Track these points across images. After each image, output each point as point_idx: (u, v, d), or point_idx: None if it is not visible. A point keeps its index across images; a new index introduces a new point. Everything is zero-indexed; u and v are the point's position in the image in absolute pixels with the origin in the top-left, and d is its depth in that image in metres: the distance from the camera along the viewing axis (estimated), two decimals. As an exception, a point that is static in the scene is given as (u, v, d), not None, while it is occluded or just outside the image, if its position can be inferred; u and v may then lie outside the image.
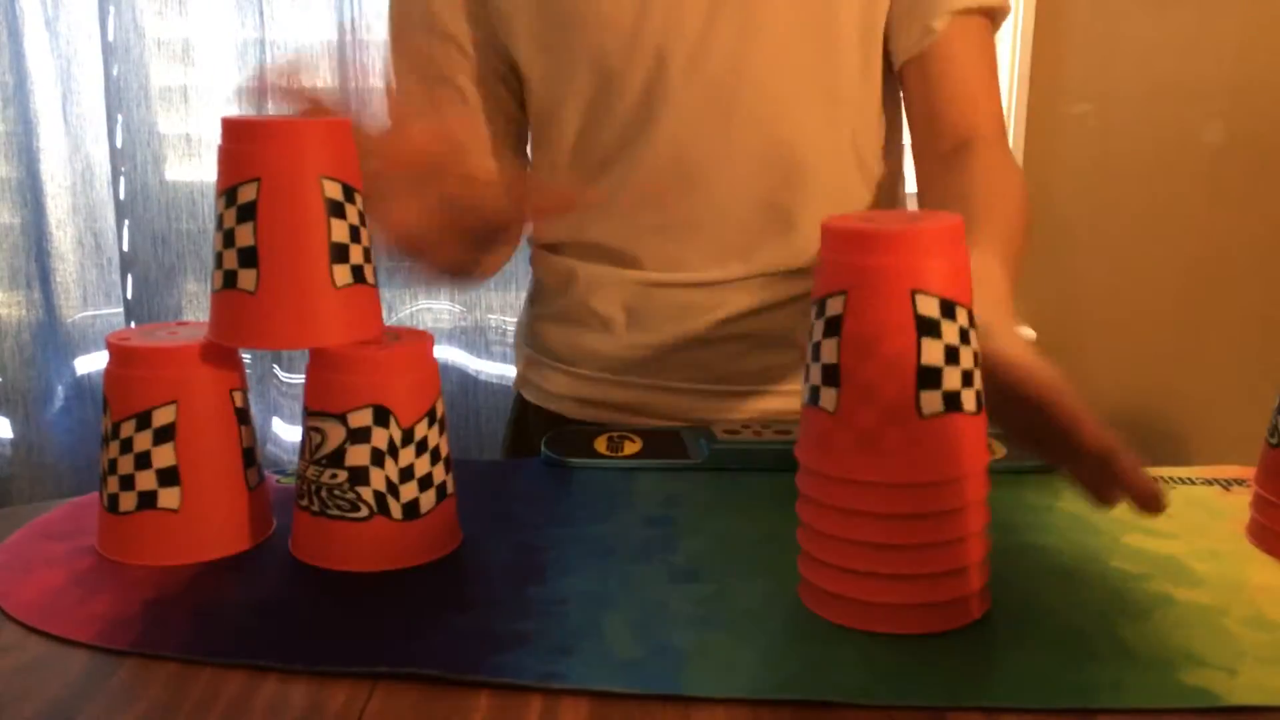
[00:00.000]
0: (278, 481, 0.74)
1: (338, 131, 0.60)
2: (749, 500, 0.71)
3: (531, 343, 1.01)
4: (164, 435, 0.61)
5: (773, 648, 0.53)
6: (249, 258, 0.59)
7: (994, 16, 0.92)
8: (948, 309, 0.52)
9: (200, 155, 1.79)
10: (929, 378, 0.51)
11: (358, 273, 0.61)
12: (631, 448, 0.78)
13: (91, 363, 1.82)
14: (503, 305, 1.83)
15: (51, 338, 1.82)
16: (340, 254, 0.60)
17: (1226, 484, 0.74)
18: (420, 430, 0.61)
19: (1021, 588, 0.58)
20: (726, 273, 0.90)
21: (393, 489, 0.60)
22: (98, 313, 1.82)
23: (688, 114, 0.87)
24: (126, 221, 1.80)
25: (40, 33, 1.71)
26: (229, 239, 0.59)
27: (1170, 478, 0.75)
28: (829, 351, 0.53)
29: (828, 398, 0.53)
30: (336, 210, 0.60)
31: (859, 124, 0.91)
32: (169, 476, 0.61)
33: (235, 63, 1.74)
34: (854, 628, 0.54)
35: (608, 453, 0.77)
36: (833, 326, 0.53)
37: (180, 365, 0.61)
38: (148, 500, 0.61)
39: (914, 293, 0.51)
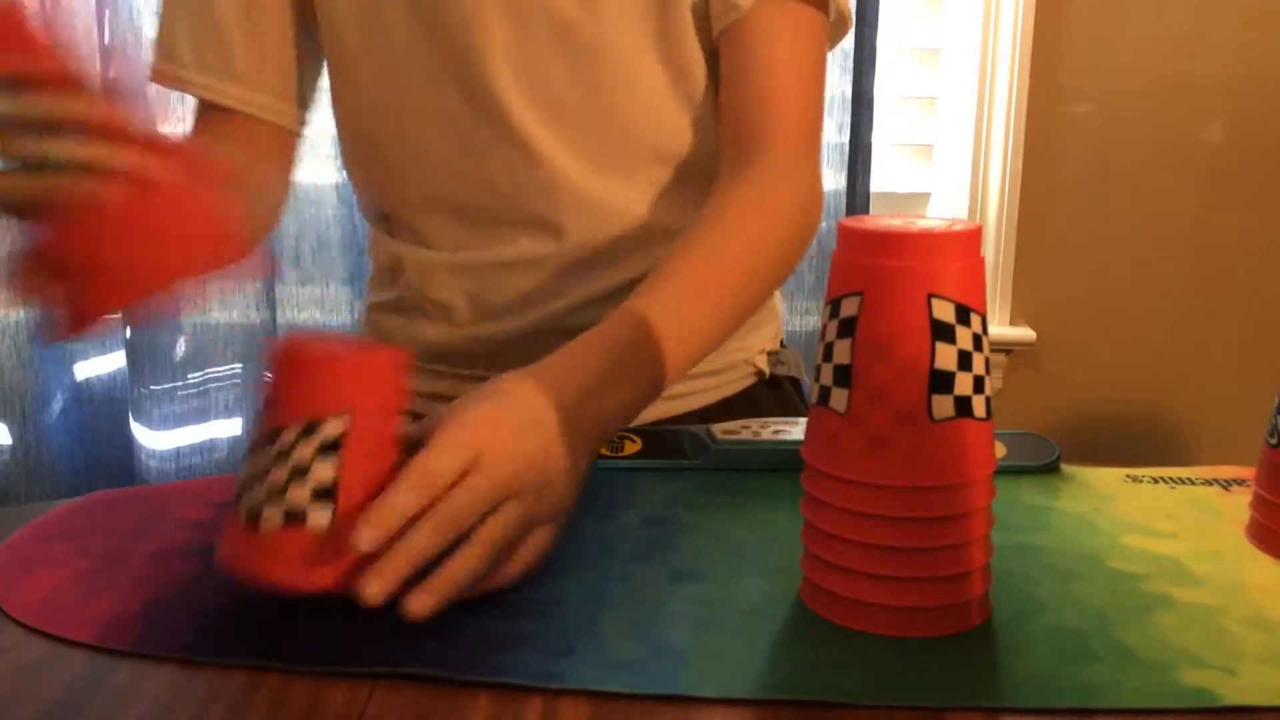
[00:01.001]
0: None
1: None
2: (749, 500, 0.71)
3: (370, 330, 0.98)
4: (329, 448, 0.54)
5: (773, 648, 0.53)
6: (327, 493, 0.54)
7: (824, 7, 0.84)
8: (963, 314, 0.52)
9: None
10: (941, 382, 0.51)
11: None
12: (631, 448, 0.78)
13: (91, 368, 1.82)
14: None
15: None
16: None
17: (1226, 484, 0.74)
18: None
19: (1021, 588, 0.59)
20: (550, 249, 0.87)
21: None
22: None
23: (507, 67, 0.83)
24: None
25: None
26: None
27: (1170, 478, 0.75)
28: (842, 352, 0.53)
29: (838, 398, 0.53)
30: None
31: (702, 102, 0.87)
32: (325, 493, 0.54)
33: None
34: (855, 629, 0.54)
35: (607, 453, 0.77)
36: (847, 327, 0.53)
37: (356, 377, 0.55)
38: (295, 515, 0.54)
39: (930, 296, 0.51)
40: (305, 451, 0.54)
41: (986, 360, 0.53)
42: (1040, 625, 0.55)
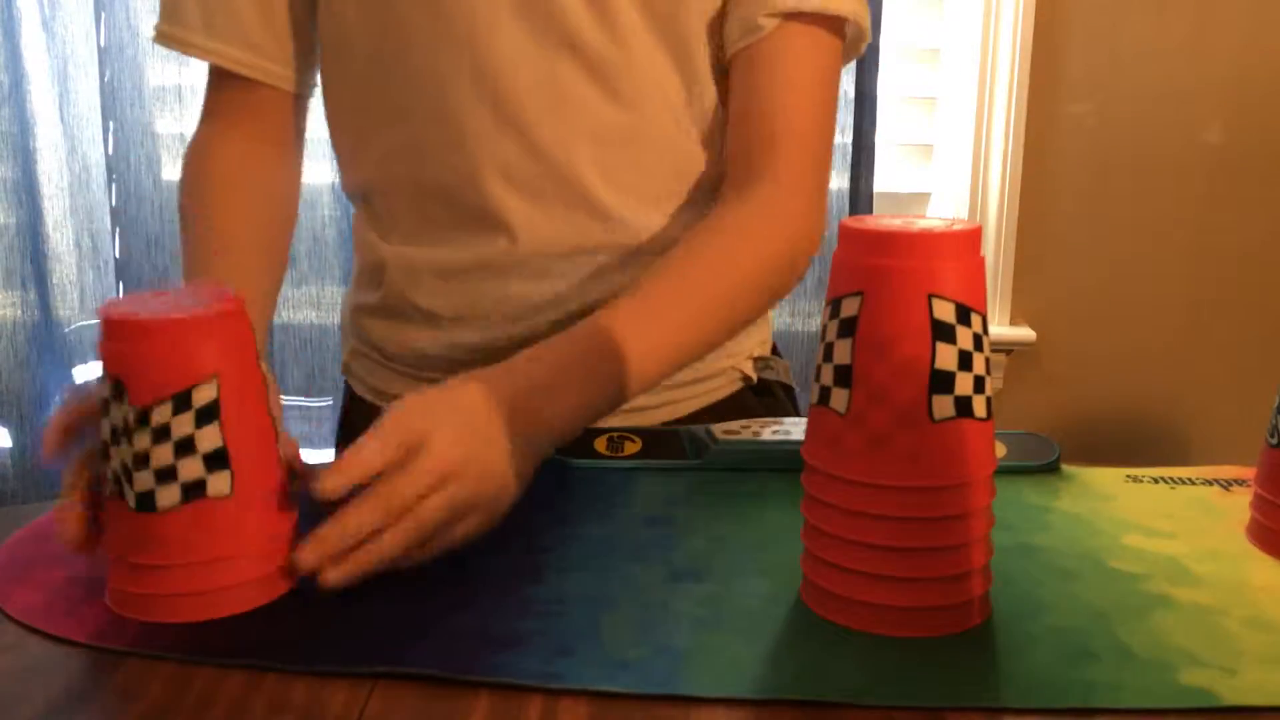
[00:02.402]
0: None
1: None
2: (749, 500, 0.71)
3: (354, 331, 0.96)
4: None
5: (773, 648, 0.53)
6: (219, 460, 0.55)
7: (840, 31, 0.83)
8: (963, 314, 0.52)
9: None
10: (942, 382, 0.51)
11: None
12: (631, 448, 0.78)
13: (90, 370, 1.82)
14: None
15: (48, 340, 1.81)
16: None
17: (1226, 484, 0.74)
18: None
19: (1021, 588, 0.58)
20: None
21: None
22: (95, 320, 1.82)
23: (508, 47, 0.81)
24: (119, 224, 1.80)
25: (37, 33, 1.71)
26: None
27: (1170, 478, 0.75)
28: (842, 352, 0.53)
29: (839, 398, 0.53)
30: None
31: (705, 103, 0.85)
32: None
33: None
34: (855, 629, 0.54)
35: (608, 453, 0.77)
36: (847, 327, 0.53)
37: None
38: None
39: (930, 297, 0.51)
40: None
41: (987, 360, 0.53)
42: (1040, 625, 0.55)
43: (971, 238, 0.53)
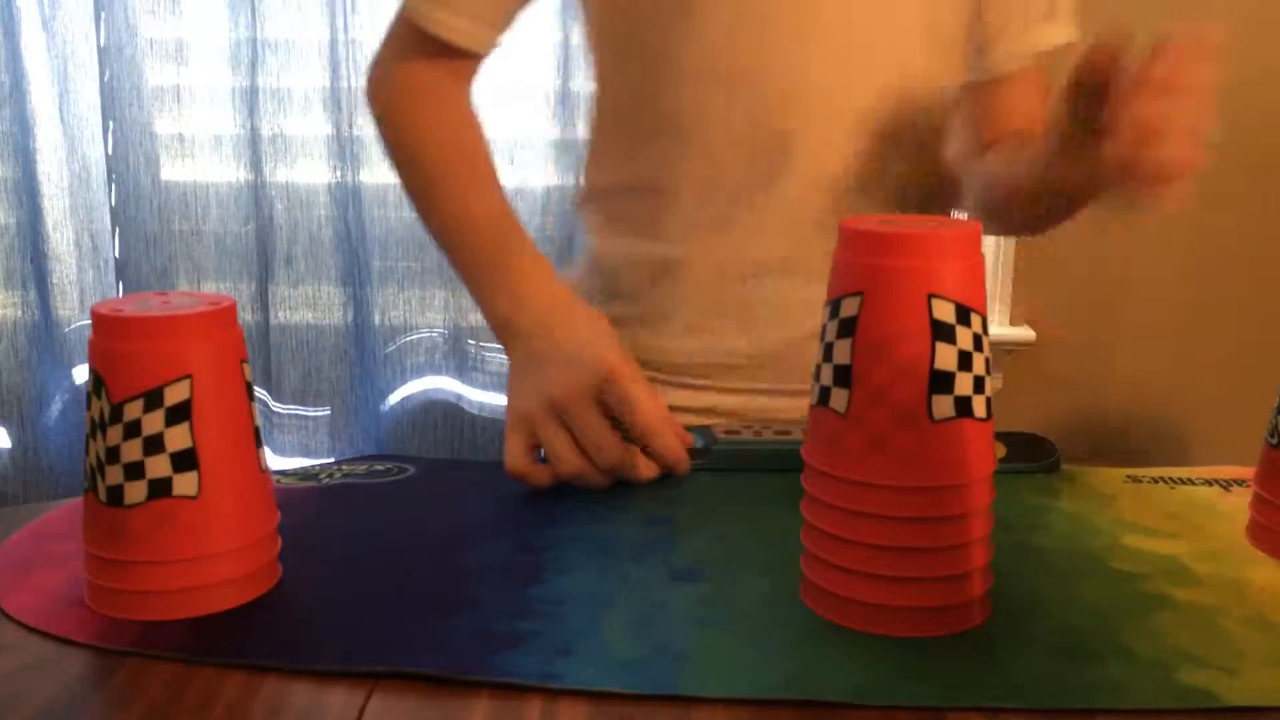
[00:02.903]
0: (278, 482, 0.74)
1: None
2: (749, 500, 0.71)
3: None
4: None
5: (773, 648, 0.53)
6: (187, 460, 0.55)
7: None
8: (963, 314, 0.52)
9: (194, 156, 1.79)
10: (941, 382, 0.51)
11: None
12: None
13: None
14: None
15: (47, 340, 1.81)
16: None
17: (1226, 484, 0.74)
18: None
19: (1021, 588, 0.58)
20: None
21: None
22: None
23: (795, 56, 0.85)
24: (118, 224, 1.80)
25: (37, 33, 1.71)
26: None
27: (1170, 478, 0.75)
28: (842, 352, 0.53)
29: (839, 398, 0.53)
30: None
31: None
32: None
33: (228, 63, 1.75)
34: (855, 629, 0.54)
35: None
36: (847, 327, 0.53)
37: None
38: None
39: (930, 297, 0.51)
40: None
41: (987, 360, 0.53)
42: (1040, 625, 0.55)
43: (971, 238, 0.53)
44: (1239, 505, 0.68)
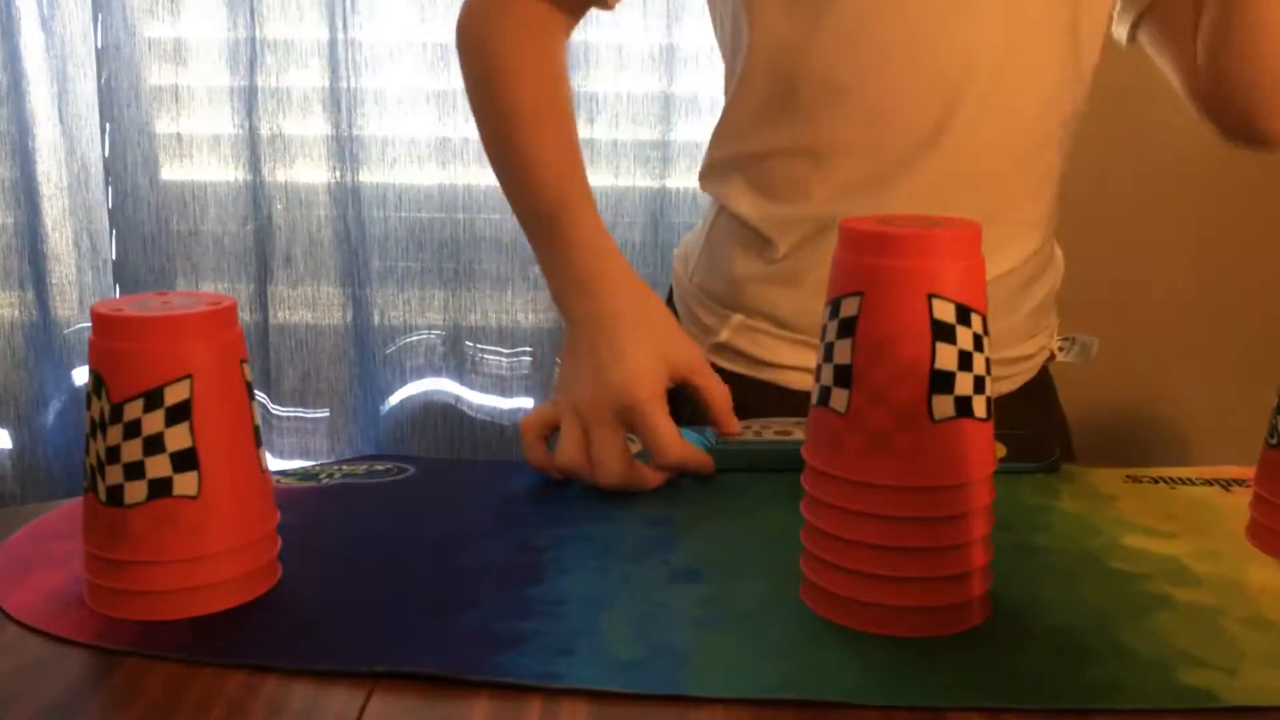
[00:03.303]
0: (278, 482, 0.74)
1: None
2: (749, 500, 0.71)
3: (738, 304, 0.96)
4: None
5: (773, 648, 0.53)
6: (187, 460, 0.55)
7: None
8: (963, 314, 0.52)
9: (192, 156, 1.79)
10: (942, 382, 0.51)
11: None
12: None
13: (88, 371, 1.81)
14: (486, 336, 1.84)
15: (46, 341, 1.81)
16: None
17: (1226, 484, 0.74)
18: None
19: (1021, 588, 0.58)
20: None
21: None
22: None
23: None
24: (116, 225, 1.80)
25: (36, 33, 1.71)
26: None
27: (1170, 478, 0.75)
28: (842, 352, 0.53)
29: (839, 398, 0.53)
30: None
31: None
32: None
33: (227, 63, 1.74)
34: (855, 629, 0.54)
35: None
36: (847, 327, 0.53)
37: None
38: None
39: (930, 297, 0.51)
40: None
41: (987, 360, 0.53)
42: (1040, 625, 0.55)
43: (971, 238, 0.53)
44: (1239, 505, 0.68)
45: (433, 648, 0.52)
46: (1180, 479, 0.75)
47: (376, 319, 1.82)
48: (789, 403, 0.86)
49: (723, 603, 0.57)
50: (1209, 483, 0.74)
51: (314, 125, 1.77)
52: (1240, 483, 0.74)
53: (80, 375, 1.82)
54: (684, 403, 0.78)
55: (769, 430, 0.79)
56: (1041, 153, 0.93)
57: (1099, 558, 0.63)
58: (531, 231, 0.84)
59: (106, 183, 1.78)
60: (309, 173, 1.79)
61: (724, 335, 0.96)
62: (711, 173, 0.99)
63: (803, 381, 0.92)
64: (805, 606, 0.56)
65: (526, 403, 1.84)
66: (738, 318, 0.95)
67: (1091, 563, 0.62)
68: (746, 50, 0.91)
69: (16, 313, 1.80)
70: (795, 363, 0.93)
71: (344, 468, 0.78)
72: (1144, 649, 0.53)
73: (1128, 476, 0.75)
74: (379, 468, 0.78)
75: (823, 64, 0.87)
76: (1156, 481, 0.74)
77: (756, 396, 0.91)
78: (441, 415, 1.85)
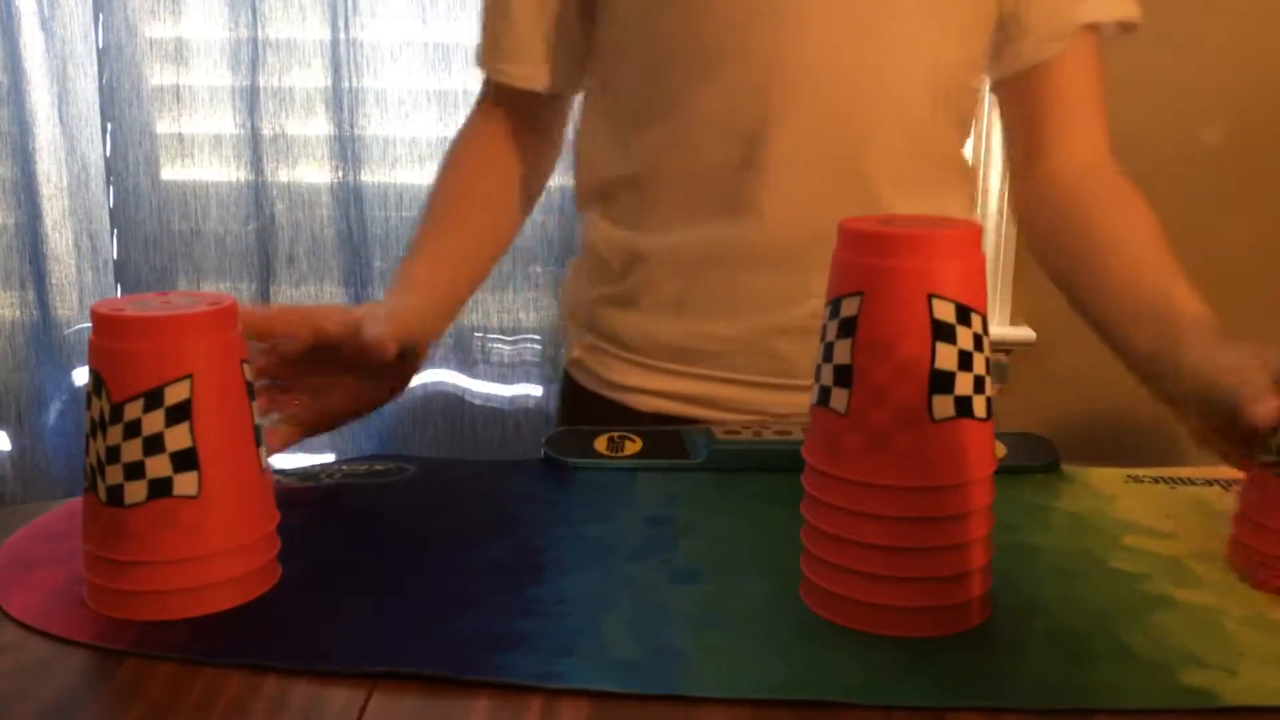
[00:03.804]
0: (278, 482, 0.74)
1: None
2: (749, 500, 0.71)
3: (589, 325, 0.97)
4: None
5: (773, 648, 0.53)
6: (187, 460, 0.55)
7: (1126, 29, 0.92)
8: (963, 314, 0.52)
9: (194, 156, 1.79)
10: (942, 382, 0.51)
11: None
12: (632, 448, 0.78)
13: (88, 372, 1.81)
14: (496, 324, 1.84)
15: (46, 341, 1.81)
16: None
17: (1226, 484, 0.74)
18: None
19: (1021, 588, 0.58)
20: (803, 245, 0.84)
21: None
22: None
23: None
24: (117, 225, 1.80)
25: (36, 33, 1.71)
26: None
27: (1170, 478, 0.75)
28: (842, 352, 0.53)
29: (839, 398, 0.53)
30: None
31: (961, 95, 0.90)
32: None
33: (229, 63, 1.74)
34: (855, 629, 0.54)
35: (608, 453, 0.77)
36: (847, 327, 0.53)
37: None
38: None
39: (930, 297, 0.51)
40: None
41: (987, 360, 0.53)
42: (1040, 625, 0.55)
43: (971, 238, 0.53)
44: (1239, 505, 0.68)
45: (433, 648, 0.52)
46: (1180, 479, 0.75)
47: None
48: (635, 425, 0.83)
49: (723, 603, 0.57)
50: (1209, 483, 0.74)
51: (316, 125, 1.77)
52: (1240, 483, 0.74)
53: (80, 375, 1.82)
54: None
55: (769, 430, 0.79)
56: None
57: (1099, 558, 0.62)
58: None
59: (107, 183, 1.78)
60: (311, 173, 1.79)
61: (575, 353, 0.99)
62: (578, 195, 1.01)
63: (647, 404, 0.92)
64: (805, 606, 0.56)
65: (530, 389, 1.84)
66: (588, 338, 0.97)
67: (1091, 563, 0.62)
68: (588, 94, 0.97)
69: (17, 313, 1.80)
70: (637, 384, 0.92)
71: (344, 468, 0.78)
72: (1144, 649, 0.52)
73: (1128, 476, 0.75)
74: (379, 468, 0.78)
75: (654, 92, 0.88)
76: (1156, 481, 0.74)
77: (605, 417, 0.92)
78: (443, 408, 1.85)
